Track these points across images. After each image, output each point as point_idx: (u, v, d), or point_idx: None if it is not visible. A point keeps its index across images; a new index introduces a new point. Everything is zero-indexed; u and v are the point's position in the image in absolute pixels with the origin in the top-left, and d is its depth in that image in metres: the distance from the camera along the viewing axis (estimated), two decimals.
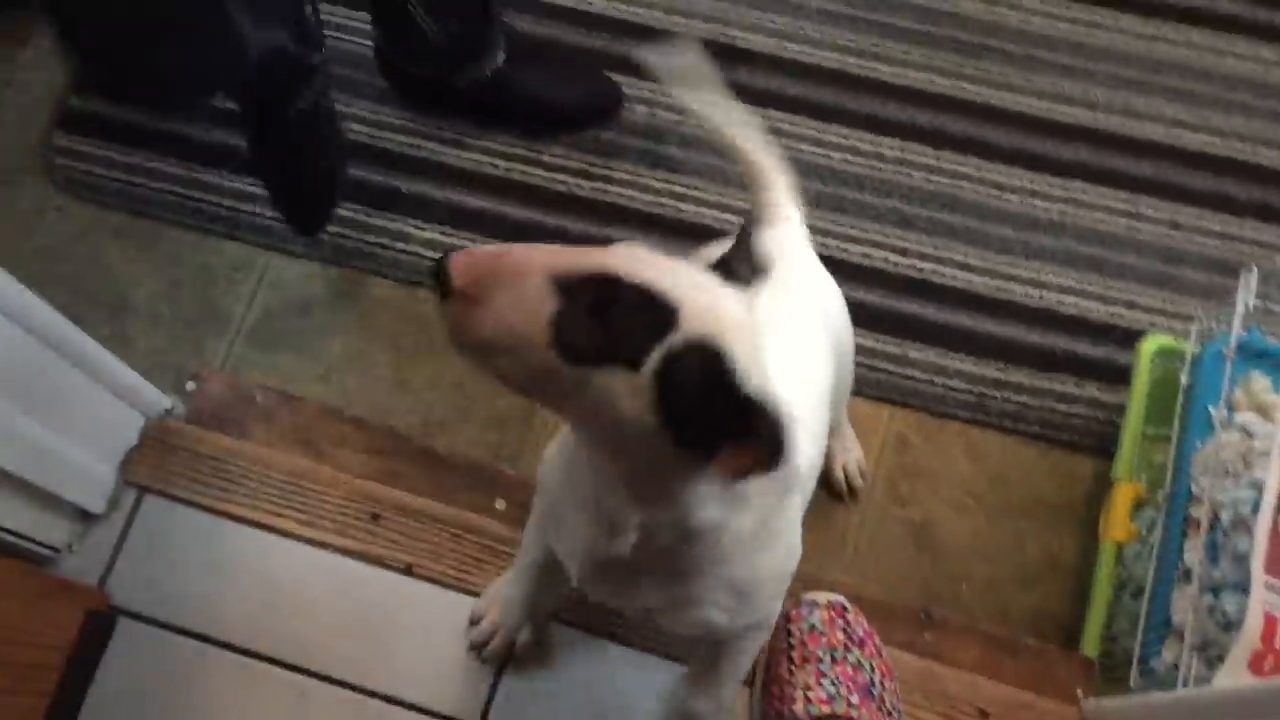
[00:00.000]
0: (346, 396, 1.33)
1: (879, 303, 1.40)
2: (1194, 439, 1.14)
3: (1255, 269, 1.07)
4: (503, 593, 1.07)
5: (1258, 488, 1.07)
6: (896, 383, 1.36)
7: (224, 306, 1.39)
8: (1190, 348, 1.21)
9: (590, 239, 1.41)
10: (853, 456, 1.31)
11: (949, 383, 1.37)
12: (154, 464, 1.14)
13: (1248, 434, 1.11)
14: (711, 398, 0.60)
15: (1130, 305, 1.41)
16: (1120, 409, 1.30)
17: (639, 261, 0.62)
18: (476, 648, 1.08)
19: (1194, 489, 1.10)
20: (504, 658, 1.08)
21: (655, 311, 0.60)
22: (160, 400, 1.17)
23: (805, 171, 1.37)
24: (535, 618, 1.08)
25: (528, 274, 0.60)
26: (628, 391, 0.60)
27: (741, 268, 0.67)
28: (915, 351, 1.38)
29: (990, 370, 1.37)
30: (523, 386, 0.63)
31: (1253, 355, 1.13)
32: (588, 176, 1.45)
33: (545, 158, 1.46)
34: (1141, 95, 1.53)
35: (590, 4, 1.56)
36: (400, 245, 1.41)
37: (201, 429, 1.16)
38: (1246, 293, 1.08)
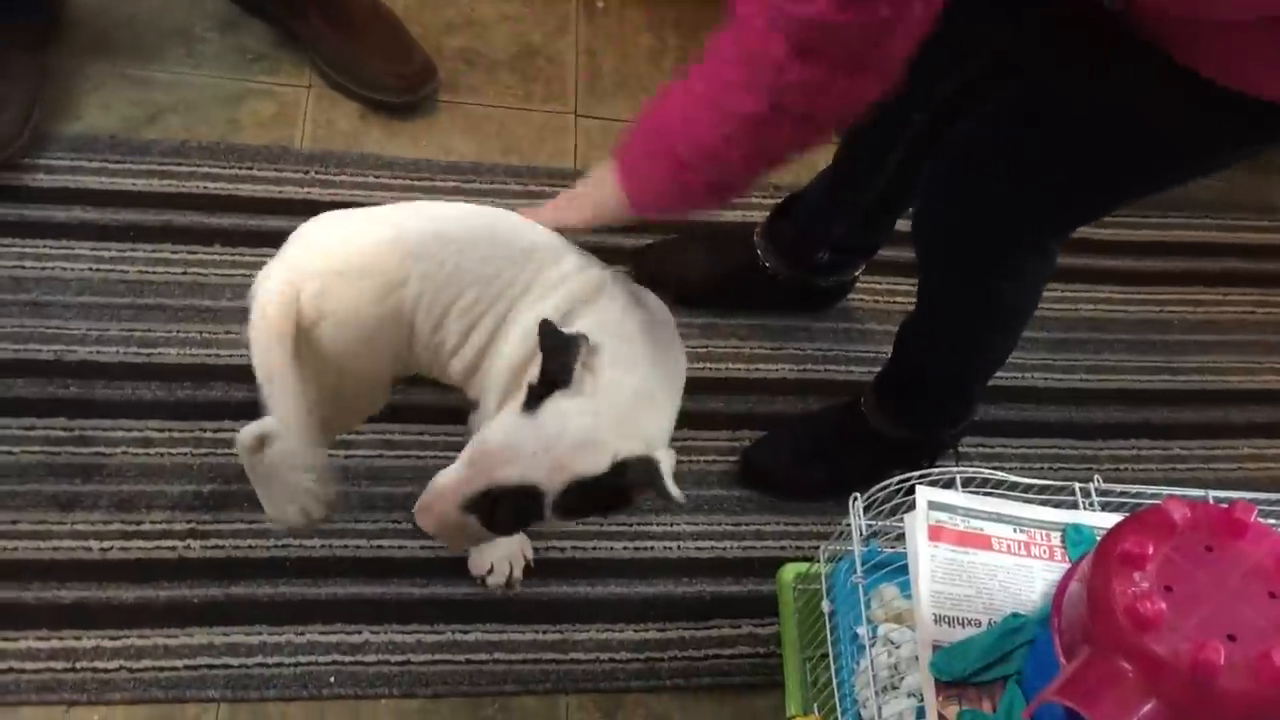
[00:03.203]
0: None
1: (533, 592, 1.38)
2: (849, 661, 1.18)
3: (858, 496, 1.15)
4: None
5: (916, 695, 1.12)
6: (564, 670, 1.34)
7: None
8: (824, 569, 1.28)
9: (214, 603, 1.31)
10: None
11: (615, 656, 1.36)
12: None
13: (893, 645, 1.17)
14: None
15: (760, 535, 1.48)
16: (779, 639, 1.34)
17: (494, 465, 0.98)
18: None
19: (861, 712, 1.14)
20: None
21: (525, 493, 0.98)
22: None
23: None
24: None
25: (447, 510, 0.99)
26: None
27: (560, 373, 0.99)
28: (576, 634, 1.37)
29: (652, 633, 1.38)
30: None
31: (879, 569, 1.21)
32: (196, 535, 1.35)
33: (145, 525, 1.35)
34: None
35: None
36: None
37: None
38: (857, 518, 1.16)
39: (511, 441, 0.98)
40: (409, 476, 1.42)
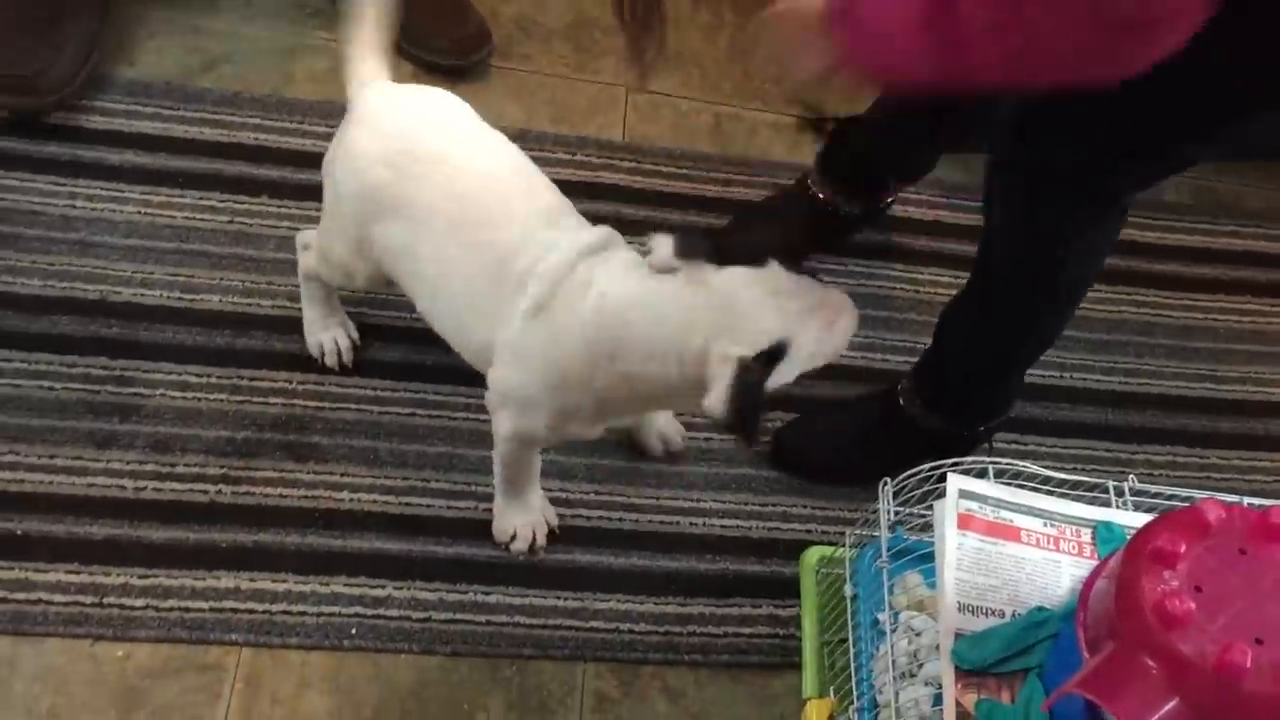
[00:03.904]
0: None
1: (557, 558, 1.39)
2: (868, 646, 1.18)
3: (889, 481, 1.15)
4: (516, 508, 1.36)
5: (934, 683, 1.11)
6: (584, 638, 1.34)
7: None
8: (848, 554, 1.28)
9: (242, 549, 1.32)
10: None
11: (635, 628, 1.36)
12: None
13: (914, 632, 1.17)
14: None
15: (786, 518, 1.47)
16: (799, 621, 1.34)
17: None
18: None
19: (878, 697, 1.13)
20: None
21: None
22: None
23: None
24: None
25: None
26: None
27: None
28: (597, 603, 1.37)
29: (672, 607, 1.38)
30: None
31: (903, 555, 1.20)
32: (228, 481, 1.37)
33: (179, 468, 1.36)
34: None
35: None
36: (21, 595, 1.26)
37: None
38: (886, 503, 1.15)
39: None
40: (441, 436, 1.43)
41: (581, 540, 1.41)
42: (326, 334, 1.45)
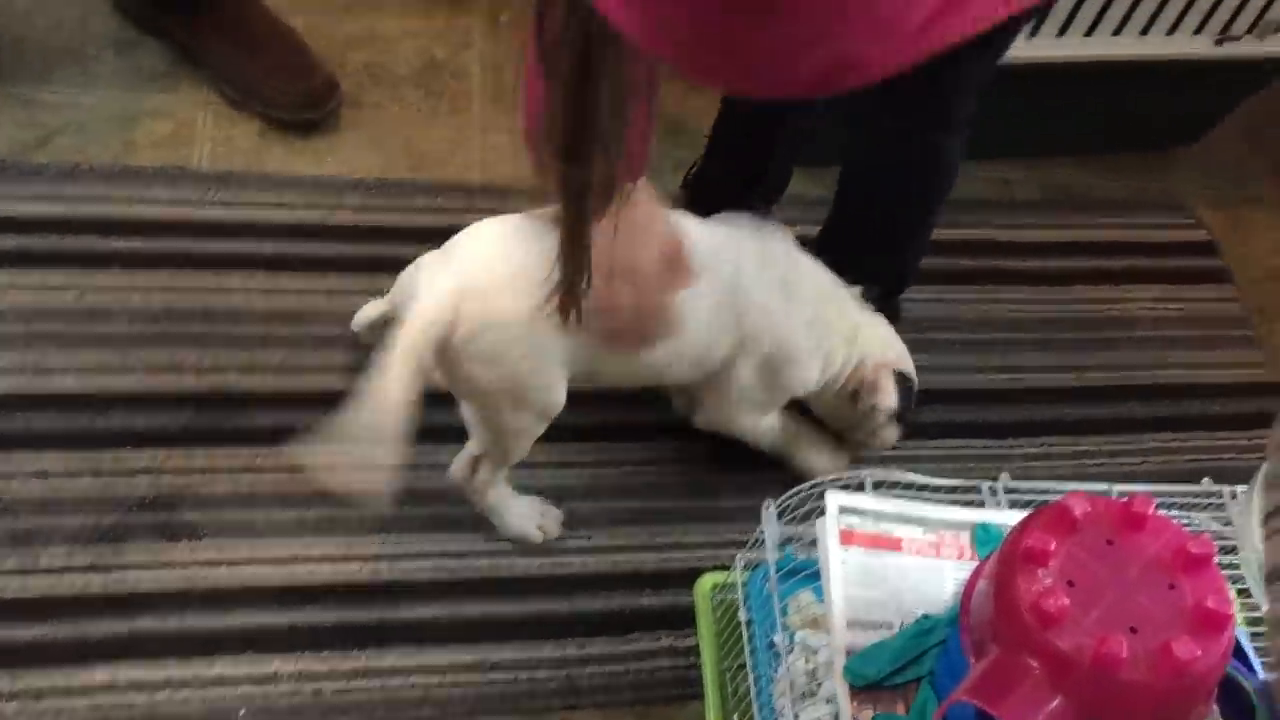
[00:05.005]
0: None
1: (449, 612, 1.36)
2: (767, 670, 1.18)
3: (771, 503, 1.15)
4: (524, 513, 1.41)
5: (835, 701, 1.12)
6: (483, 692, 1.32)
7: None
8: (739, 578, 1.27)
9: (117, 639, 1.27)
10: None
11: (535, 675, 1.34)
12: None
13: (811, 650, 1.17)
14: None
15: (679, 546, 1.47)
16: (699, 651, 1.33)
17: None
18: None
19: None
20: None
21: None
22: None
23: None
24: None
25: None
26: None
27: None
28: (495, 654, 1.34)
29: (572, 649, 1.37)
30: None
31: (791, 575, 1.20)
32: (98, 569, 1.31)
33: (43, 561, 1.30)
34: None
35: None
36: None
37: None
38: (770, 526, 1.15)
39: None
40: (318, 499, 1.39)
41: (474, 591, 1.38)
42: (530, 523, 1.42)
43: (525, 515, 1.41)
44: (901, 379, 1.44)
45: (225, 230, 1.57)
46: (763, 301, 1.30)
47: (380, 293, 1.40)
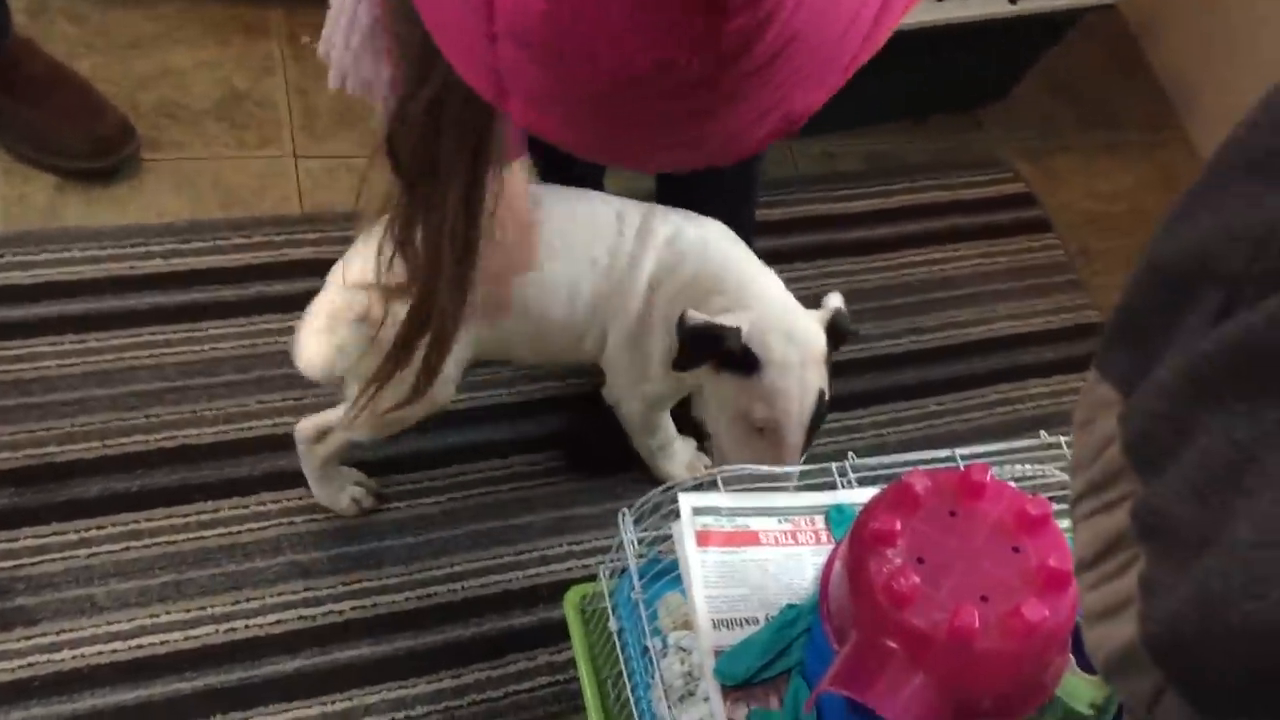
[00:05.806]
0: None
1: (314, 662, 1.31)
2: (643, 676, 1.17)
3: (626, 512, 1.14)
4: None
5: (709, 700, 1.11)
6: None
7: None
8: (606, 586, 1.26)
9: None
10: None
11: (411, 713, 1.31)
12: None
13: (685, 651, 1.16)
14: None
15: (544, 560, 1.45)
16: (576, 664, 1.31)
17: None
18: None
19: None
20: None
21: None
22: None
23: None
24: None
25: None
26: None
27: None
28: (367, 698, 1.30)
29: (447, 681, 1.33)
30: None
31: (659, 577, 1.20)
32: None
33: None
34: None
35: None
36: None
37: None
38: (628, 533, 1.14)
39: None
40: (162, 564, 1.33)
41: (339, 636, 1.34)
42: (344, 494, 1.42)
43: (344, 488, 1.42)
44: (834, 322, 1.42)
45: (25, 294, 1.48)
46: (619, 282, 1.29)
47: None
